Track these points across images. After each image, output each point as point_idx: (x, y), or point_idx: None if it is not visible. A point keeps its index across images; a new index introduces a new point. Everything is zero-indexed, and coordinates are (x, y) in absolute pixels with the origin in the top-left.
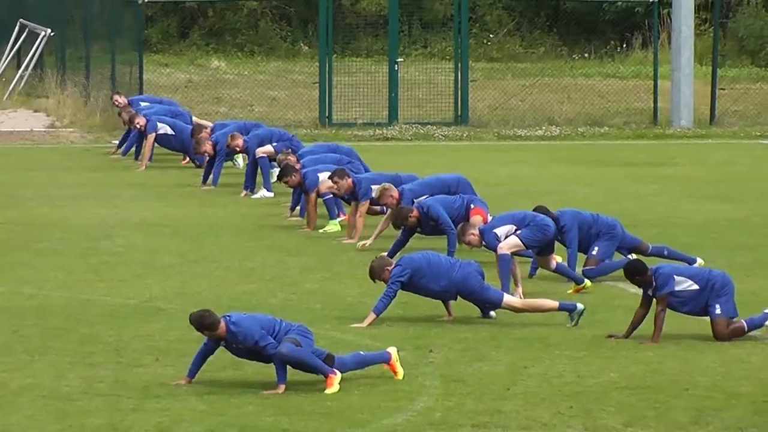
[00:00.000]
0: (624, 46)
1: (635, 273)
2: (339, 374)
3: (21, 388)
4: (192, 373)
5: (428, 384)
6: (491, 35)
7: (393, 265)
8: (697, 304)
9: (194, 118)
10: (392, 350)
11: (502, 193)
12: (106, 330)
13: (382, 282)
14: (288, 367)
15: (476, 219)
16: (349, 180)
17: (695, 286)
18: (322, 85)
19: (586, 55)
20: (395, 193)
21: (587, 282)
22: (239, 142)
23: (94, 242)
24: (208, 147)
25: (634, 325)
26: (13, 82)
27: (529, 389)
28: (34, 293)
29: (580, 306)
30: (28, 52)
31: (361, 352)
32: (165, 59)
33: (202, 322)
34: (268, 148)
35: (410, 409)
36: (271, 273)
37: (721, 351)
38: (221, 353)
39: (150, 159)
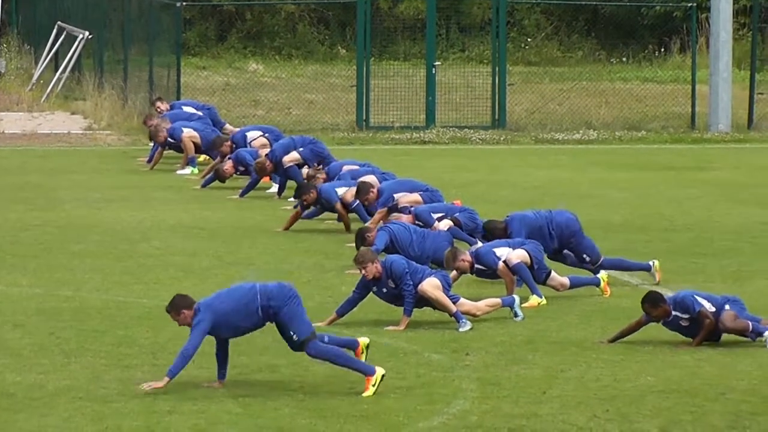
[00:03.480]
0: (662, 50)
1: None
2: (378, 372)
3: (58, 389)
4: (222, 375)
5: (464, 387)
6: (529, 39)
7: (378, 261)
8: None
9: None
10: (363, 340)
11: (539, 196)
12: (142, 332)
13: (363, 270)
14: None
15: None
16: (374, 191)
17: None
18: (359, 89)
19: (624, 59)
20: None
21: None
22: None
23: (131, 245)
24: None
25: (623, 334)
26: (51, 85)
27: (565, 393)
28: (70, 295)
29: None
30: (66, 55)
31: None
32: (203, 62)
33: (181, 301)
34: (294, 156)
35: (446, 413)
36: (308, 275)
37: (757, 356)
38: (256, 356)
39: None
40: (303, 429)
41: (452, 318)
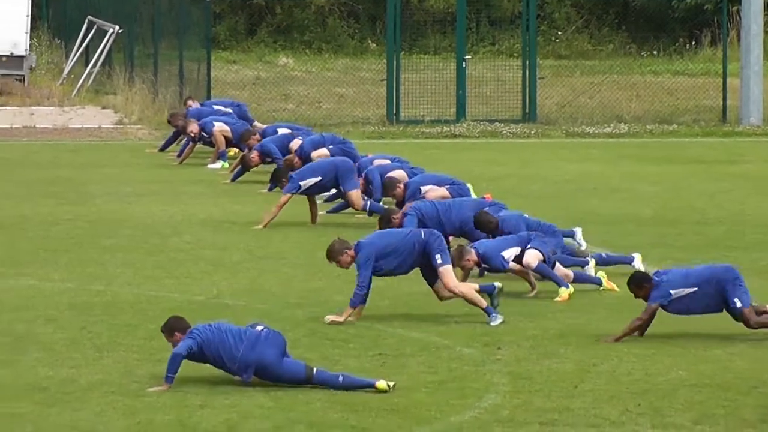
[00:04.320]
0: (693, 43)
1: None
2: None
3: (90, 384)
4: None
5: (496, 381)
6: (559, 32)
7: (353, 251)
8: (708, 304)
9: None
10: (380, 383)
11: (570, 190)
12: None
13: (335, 264)
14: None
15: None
16: (401, 187)
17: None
18: (389, 83)
19: (655, 52)
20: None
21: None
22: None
23: (162, 239)
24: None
25: (632, 330)
26: (82, 79)
27: (597, 387)
28: (102, 290)
29: (498, 284)
30: (97, 49)
31: (340, 378)
32: (233, 56)
33: (176, 324)
34: (324, 151)
35: (478, 407)
36: (339, 269)
37: None
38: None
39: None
40: (335, 423)
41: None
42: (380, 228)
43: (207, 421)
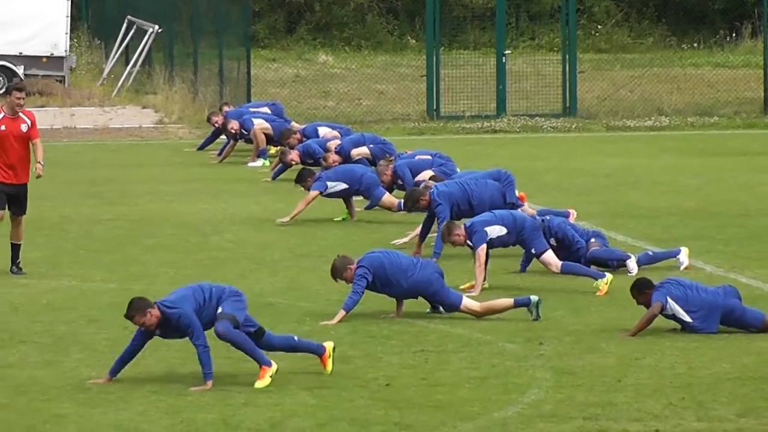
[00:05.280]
0: (733, 35)
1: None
2: (273, 367)
3: (133, 383)
4: (114, 372)
5: (539, 376)
6: (599, 26)
7: (355, 265)
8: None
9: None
10: (328, 344)
11: (611, 184)
12: None
13: (343, 281)
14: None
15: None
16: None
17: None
18: (429, 78)
19: (695, 44)
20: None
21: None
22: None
23: (204, 237)
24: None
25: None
26: (122, 79)
27: (640, 381)
28: (144, 289)
29: (534, 298)
30: (137, 49)
31: (295, 338)
32: (272, 54)
33: (137, 304)
34: (364, 150)
35: (521, 402)
36: None
37: None
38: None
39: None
40: (378, 420)
41: (518, 307)
42: (407, 208)
43: (250, 419)
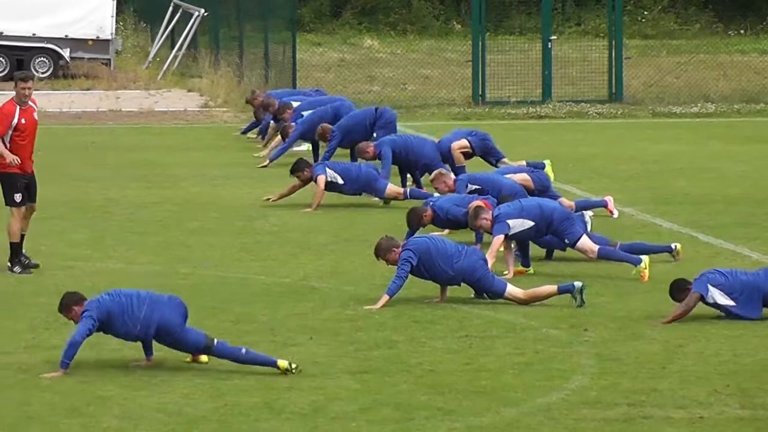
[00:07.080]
0: None
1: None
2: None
3: (177, 367)
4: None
5: (583, 363)
6: (646, 12)
7: (401, 248)
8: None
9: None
10: (282, 362)
11: (657, 170)
12: (260, 309)
13: (384, 261)
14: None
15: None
16: (450, 181)
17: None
18: (475, 64)
19: (742, 31)
20: (449, 179)
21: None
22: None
23: (249, 221)
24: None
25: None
26: (167, 62)
27: (685, 368)
28: (189, 272)
29: (578, 284)
30: (182, 32)
31: (243, 351)
32: (318, 38)
33: (71, 299)
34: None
35: (565, 388)
36: None
37: None
38: (373, 331)
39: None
40: (421, 405)
41: (562, 294)
42: (410, 226)
43: (293, 403)
